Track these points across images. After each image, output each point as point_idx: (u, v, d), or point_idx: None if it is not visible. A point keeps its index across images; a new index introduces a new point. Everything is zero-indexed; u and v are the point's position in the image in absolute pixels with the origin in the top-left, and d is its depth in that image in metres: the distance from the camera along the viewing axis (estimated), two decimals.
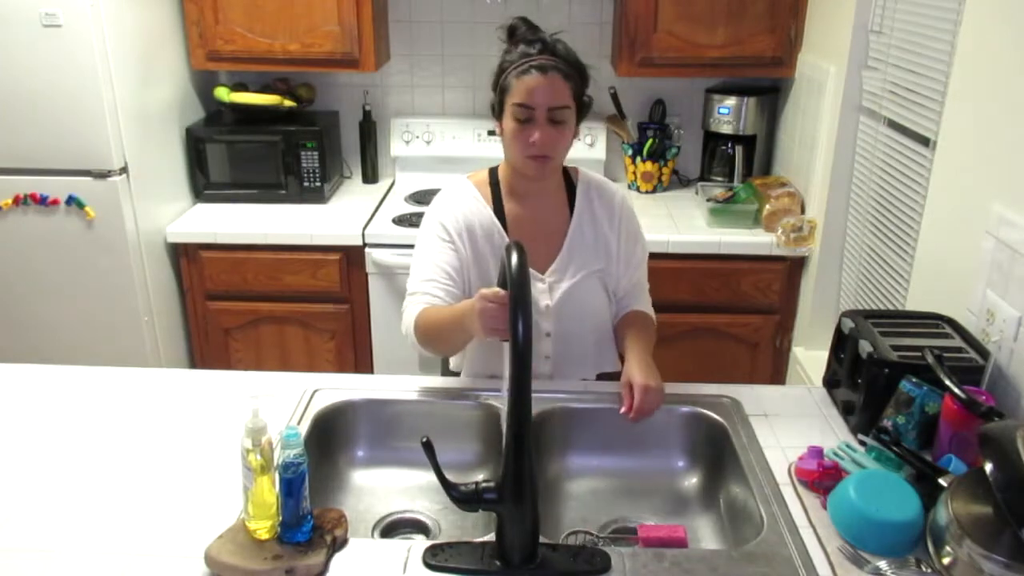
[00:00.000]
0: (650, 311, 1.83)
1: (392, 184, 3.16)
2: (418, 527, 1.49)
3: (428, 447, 1.14)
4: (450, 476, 1.16)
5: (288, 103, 2.91)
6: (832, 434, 1.51)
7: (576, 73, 1.61)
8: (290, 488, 1.14)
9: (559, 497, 1.55)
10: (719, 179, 3.04)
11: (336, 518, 1.22)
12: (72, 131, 2.42)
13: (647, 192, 3.06)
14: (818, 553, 1.20)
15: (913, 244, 1.96)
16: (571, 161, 1.80)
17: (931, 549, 1.16)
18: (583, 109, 1.66)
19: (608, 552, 1.19)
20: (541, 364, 1.76)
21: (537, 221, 1.73)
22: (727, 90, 2.94)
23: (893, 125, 2.13)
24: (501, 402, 1.57)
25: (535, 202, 1.73)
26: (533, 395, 1.13)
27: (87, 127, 2.41)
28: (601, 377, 1.78)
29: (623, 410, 1.52)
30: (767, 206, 2.64)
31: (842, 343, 1.59)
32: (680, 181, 3.15)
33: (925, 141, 1.94)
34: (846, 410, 1.55)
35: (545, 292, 1.71)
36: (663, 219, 2.78)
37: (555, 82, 1.57)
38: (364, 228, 2.67)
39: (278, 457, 1.15)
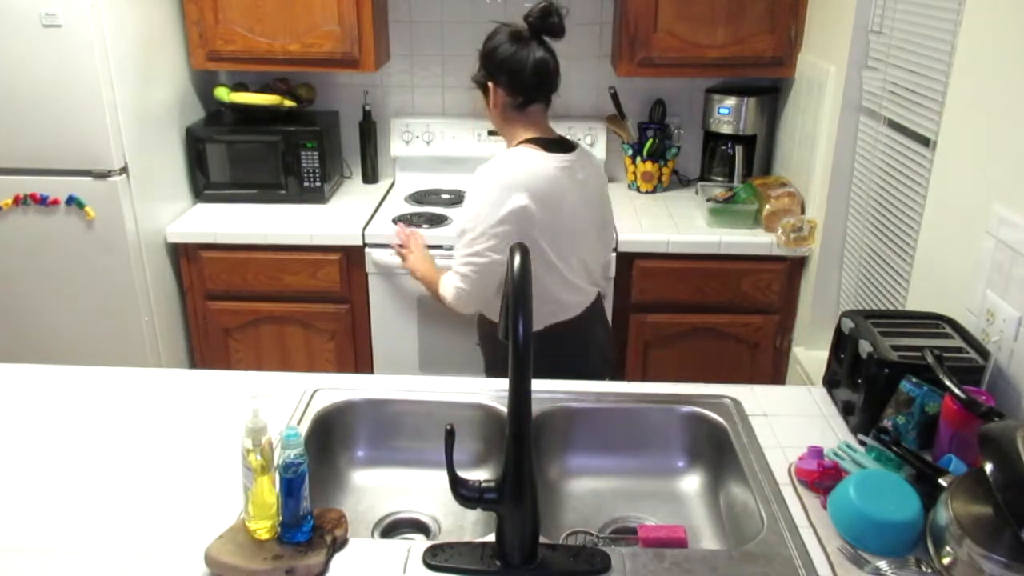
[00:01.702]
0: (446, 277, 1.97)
1: (392, 184, 3.16)
2: (418, 527, 1.49)
3: (450, 435, 1.14)
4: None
5: (288, 103, 2.91)
6: (832, 434, 1.51)
7: (478, 59, 1.98)
8: (290, 488, 1.14)
9: (559, 497, 1.55)
10: (719, 179, 3.04)
11: (336, 518, 1.22)
12: (72, 131, 2.42)
13: (647, 192, 3.06)
14: (818, 553, 1.20)
15: (913, 244, 1.96)
16: None
17: (931, 549, 1.16)
18: (483, 89, 1.98)
19: (608, 552, 1.19)
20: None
21: None
22: (727, 90, 2.94)
23: (893, 125, 2.13)
24: (501, 402, 1.57)
25: None
26: (533, 395, 1.13)
27: (87, 127, 2.41)
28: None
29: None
30: (767, 206, 2.64)
31: (842, 343, 1.59)
32: (680, 181, 3.15)
33: (925, 141, 1.94)
34: (846, 410, 1.55)
35: None
36: (663, 219, 2.78)
37: None
38: (364, 228, 2.67)
39: (278, 457, 1.15)
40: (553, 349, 1.88)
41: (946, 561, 1.13)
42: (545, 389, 1.62)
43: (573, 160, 1.93)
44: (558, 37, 1.90)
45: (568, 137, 2.02)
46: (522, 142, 1.92)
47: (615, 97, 2.99)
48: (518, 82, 1.90)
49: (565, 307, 1.98)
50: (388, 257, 2.65)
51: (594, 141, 3.05)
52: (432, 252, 2.62)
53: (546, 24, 1.87)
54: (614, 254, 2.61)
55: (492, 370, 2.10)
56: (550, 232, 1.87)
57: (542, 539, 1.18)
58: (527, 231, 1.83)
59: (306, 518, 1.17)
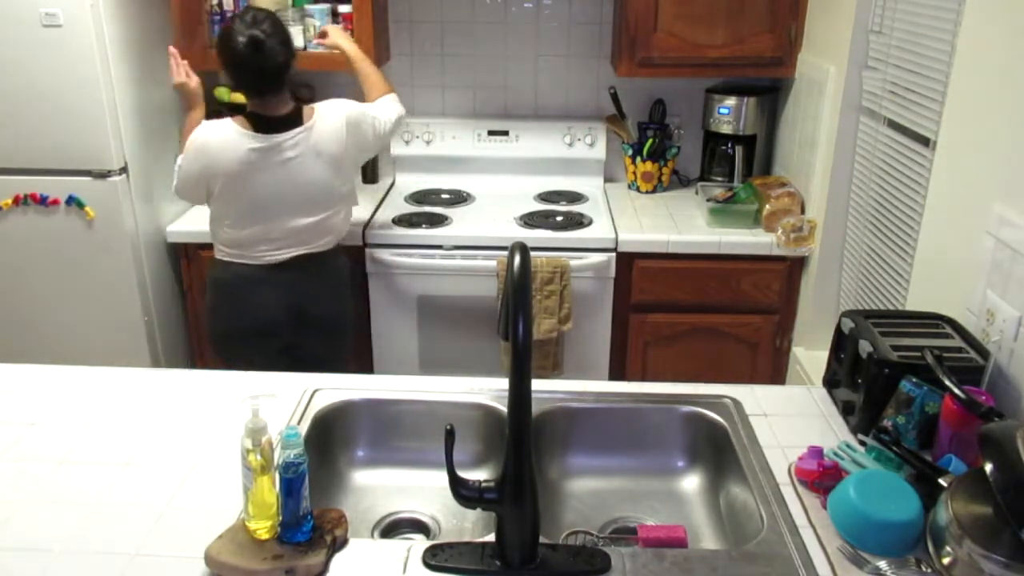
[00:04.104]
0: None
1: (392, 184, 3.16)
2: (418, 527, 1.49)
3: (450, 435, 1.14)
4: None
5: None
6: (832, 434, 1.51)
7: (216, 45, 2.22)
8: (290, 488, 1.14)
9: (559, 497, 1.55)
10: (719, 179, 3.04)
11: (336, 518, 1.22)
12: (72, 131, 2.42)
13: (647, 192, 3.06)
14: (818, 553, 1.20)
15: (913, 244, 1.96)
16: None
17: (931, 549, 1.17)
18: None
19: (608, 552, 1.19)
20: None
21: None
22: (727, 90, 2.94)
23: (893, 125, 2.13)
24: (501, 402, 1.57)
25: None
26: (533, 395, 1.13)
27: (87, 127, 2.41)
28: None
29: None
30: (767, 206, 2.64)
31: (842, 343, 1.59)
32: (680, 181, 3.15)
33: (925, 141, 1.94)
34: (846, 410, 1.55)
35: None
36: (663, 219, 2.78)
37: None
38: (364, 228, 2.67)
39: (278, 457, 1.15)
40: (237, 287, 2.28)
41: (946, 561, 1.13)
42: (545, 389, 1.62)
43: (281, 140, 2.17)
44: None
45: (310, 107, 2.25)
46: (240, 115, 2.18)
47: (615, 97, 2.99)
48: (248, 88, 2.18)
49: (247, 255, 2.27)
50: (388, 257, 2.65)
51: (594, 141, 3.05)
52: (430, 252, 2.64)
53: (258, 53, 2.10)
54: (613, 254, 2.62)
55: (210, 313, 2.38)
56: (227, 195, 2.20)
57: (542, 539, 1.18)
58: (199, 182, 2.21)
59: (306, 518, 1.17)
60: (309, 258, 2.31)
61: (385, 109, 2.41)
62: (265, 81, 2.16)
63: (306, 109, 2.24)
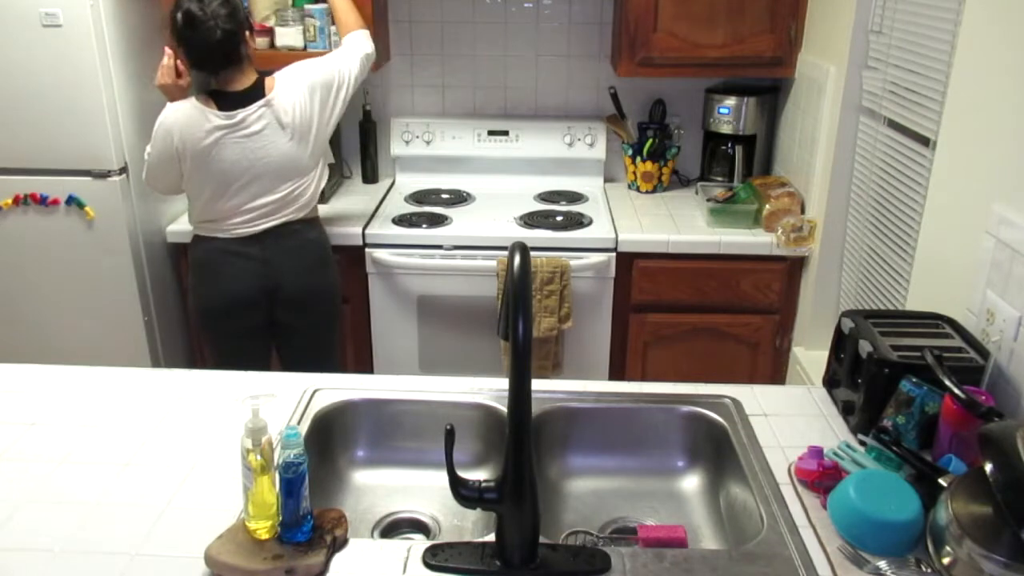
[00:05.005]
0: None
1: (392, 184, 3.16)
2: (418, 527, 1.49)
3: (450, 435, 1.14)
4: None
5: None
6: (832, 434, 1.51)
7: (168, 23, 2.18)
8: (290, 488, 1.14)
9: (559, 497, 1.55)
10: (719, 179, 3.04)
11: (336, 518, 1.22)
12: (72, 131, 2.42)
13: (647, 192, 3.06)
14: (818, 553, 1.20)
15: (913, 244, 1.96)
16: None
17: (931, 549, 1.17)
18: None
19: (608, 552, 1.19)
20: None
21: None
22: (727, 90, 2.94)
23: (893, 125, 2.13)
24: (501, 402, 1.57)
25: None
26: (533, 395, 1.13)
27: (87, 127, 2.41)
28: None
29: None
30: (767, 206, 2.64)
31: (842, 343, 1.59)
32: (680, 181, 3.15)
33: (925, 141, 1.94)
34: (846, 410, 1.55)
35: None
36: (663, 219, 2.78)
37: None
38: (364, 228, 2.67)
39: (278, 457, 1.15)
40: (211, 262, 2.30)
41: (946, 561, 1.13)
42: (545, 389, 1.62)
43: (245, 116, 2.16)
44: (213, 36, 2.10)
45: (271, 77, 2.24)
46: (202, 94, 2.19)
47: (615, 97, 2.99)
48: (198, 65, 2.17)
49: (224, 228, 2.28)
50: (388, 257, 2.65)
51: (594, 141, 3.05)
52: (430, 252, 2.64)
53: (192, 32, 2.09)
54: (613, 254, 2.62)
55: None
56: (198, 173, 2.20)
57: (542, 539, 1.18)
58: (170, 164, 2.21)
59: (306, 518, 1.17)
60: (282, 228, 2.29)
61: (349, 54, 2.36)
62: (210, 57, 2.13)
63: (267, 81, 2.22)
